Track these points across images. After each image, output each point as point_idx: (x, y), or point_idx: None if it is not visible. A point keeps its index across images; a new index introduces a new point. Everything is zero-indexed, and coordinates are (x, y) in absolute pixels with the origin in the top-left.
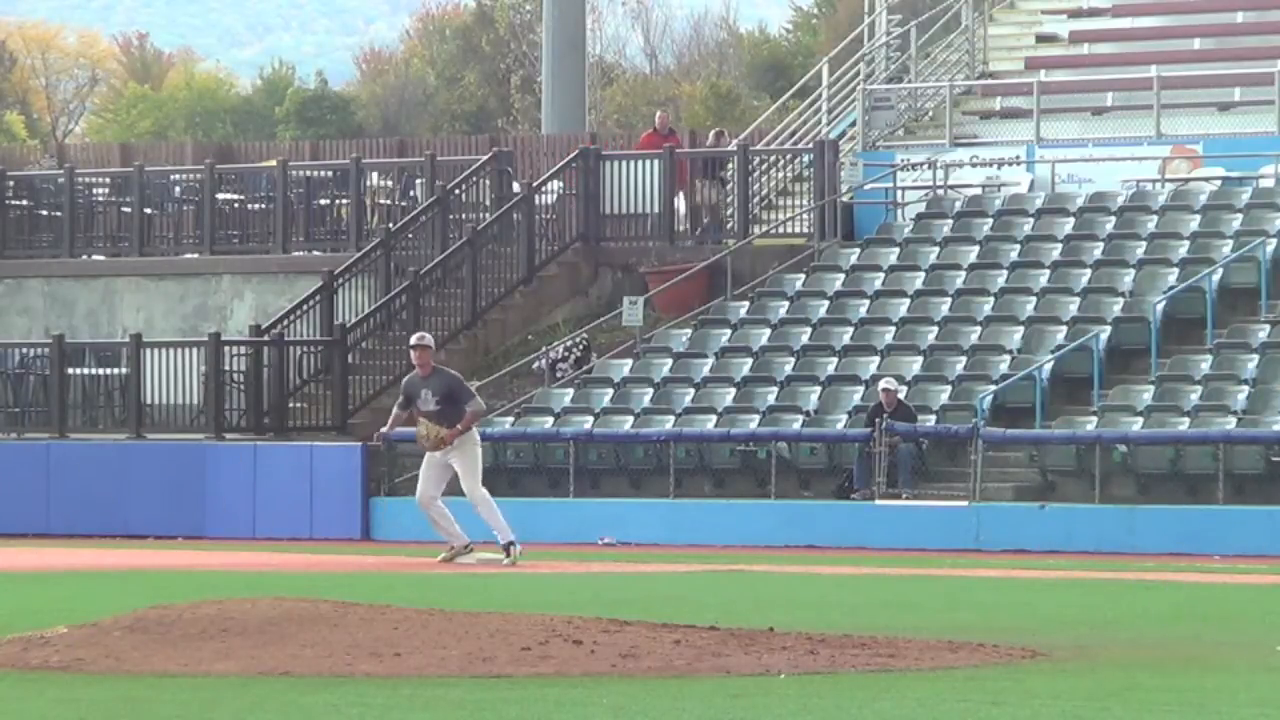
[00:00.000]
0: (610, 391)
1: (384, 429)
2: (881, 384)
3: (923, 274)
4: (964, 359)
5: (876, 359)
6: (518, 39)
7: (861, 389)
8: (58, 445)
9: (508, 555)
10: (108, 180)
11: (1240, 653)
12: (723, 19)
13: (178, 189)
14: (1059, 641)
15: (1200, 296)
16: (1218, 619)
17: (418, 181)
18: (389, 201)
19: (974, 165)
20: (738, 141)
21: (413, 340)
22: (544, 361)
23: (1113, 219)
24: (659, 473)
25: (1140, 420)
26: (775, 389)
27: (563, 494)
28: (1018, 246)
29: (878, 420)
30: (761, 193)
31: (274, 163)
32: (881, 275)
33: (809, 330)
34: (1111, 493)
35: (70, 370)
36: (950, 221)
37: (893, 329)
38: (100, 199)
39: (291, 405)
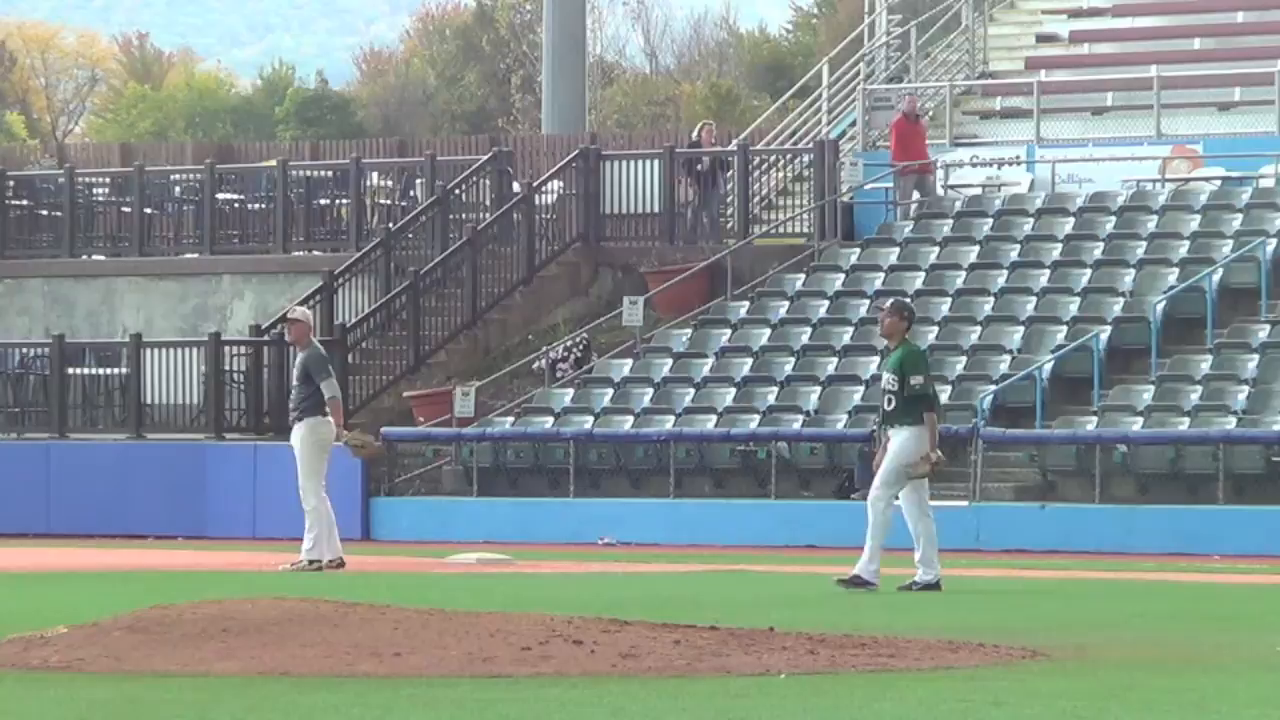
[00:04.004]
0: (610, 391)
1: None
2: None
3: (923, 274)
4: (964, 359)
5: (876, 359)
6: (518, 39)
7: (862, 389)
8: (58, 445)
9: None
10: (108, 180)
11: (1240, 653)
12: (723, 19)
13: (178, 189)
14: (1059, 641)
15: (1200, 296)
16: (1218, 619)
17: (418, 181)
18: (389, 201)
19: (974, 165)
20: (738, 141)
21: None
22: (544, 361)
23: (1113, 219)
24: (659, 473)
25: (1140, 420)
26: (775, 389)
27: (563, 494)
28: (1018, 246)
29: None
30: (761, 193)
31: (274, 163)
32: (881, 275)
33: (809, 330)
34: (1111, 493)
35: (70, 370)
36: (950, 221)
37: None
38: (100, 199)
39: None
